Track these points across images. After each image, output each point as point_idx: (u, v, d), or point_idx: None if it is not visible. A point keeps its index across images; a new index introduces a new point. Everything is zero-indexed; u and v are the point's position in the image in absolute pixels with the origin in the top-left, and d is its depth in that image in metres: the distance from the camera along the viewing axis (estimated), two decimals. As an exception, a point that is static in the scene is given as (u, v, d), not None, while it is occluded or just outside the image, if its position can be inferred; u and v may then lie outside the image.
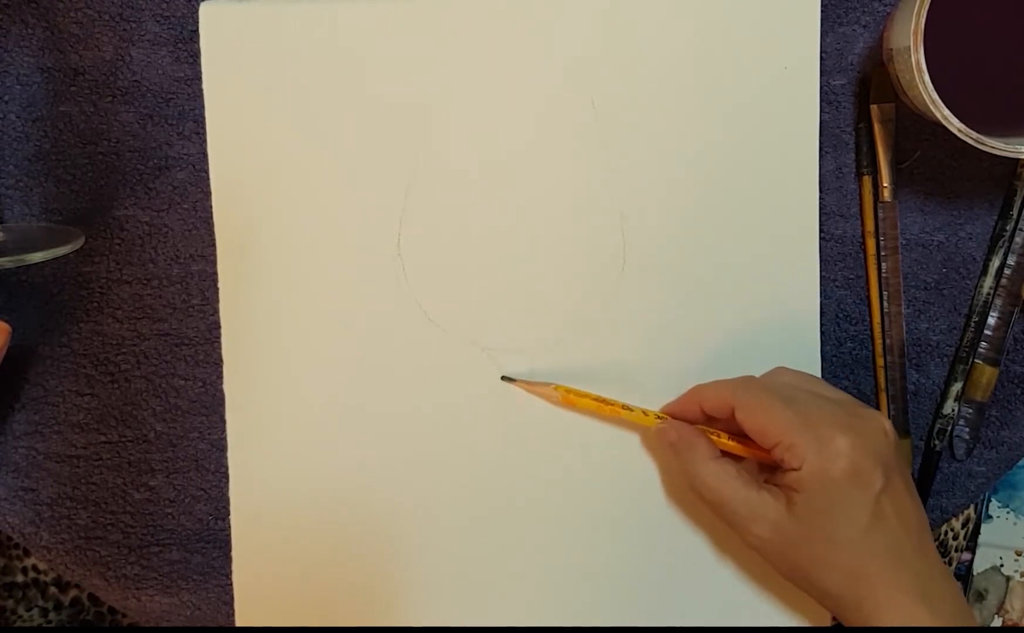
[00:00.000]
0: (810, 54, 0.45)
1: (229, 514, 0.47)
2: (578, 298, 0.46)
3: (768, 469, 0.42)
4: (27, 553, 0.51)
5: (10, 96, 0.46)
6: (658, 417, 0.44)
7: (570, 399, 0.45)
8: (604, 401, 0.44)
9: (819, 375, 0.46)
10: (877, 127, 0.45)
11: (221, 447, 0.47)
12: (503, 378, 0.46)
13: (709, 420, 0.44)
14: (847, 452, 0.39)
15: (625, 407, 0.44)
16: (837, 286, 0.47)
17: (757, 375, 0.44)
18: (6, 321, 0.44)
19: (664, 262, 0.46)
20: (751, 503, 0.40)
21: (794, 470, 0.39)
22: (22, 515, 0.48)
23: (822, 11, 0.44)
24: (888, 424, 0.41)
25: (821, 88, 0.45)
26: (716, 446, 0.42)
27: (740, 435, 0.42)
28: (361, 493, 0.47)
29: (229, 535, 0.48)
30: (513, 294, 0.46)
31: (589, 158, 0.46)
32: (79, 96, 0.46)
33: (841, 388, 0.47)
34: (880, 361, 0.47)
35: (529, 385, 0.46)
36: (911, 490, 0.40)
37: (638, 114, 0.45)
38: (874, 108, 0.45)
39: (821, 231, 0.46)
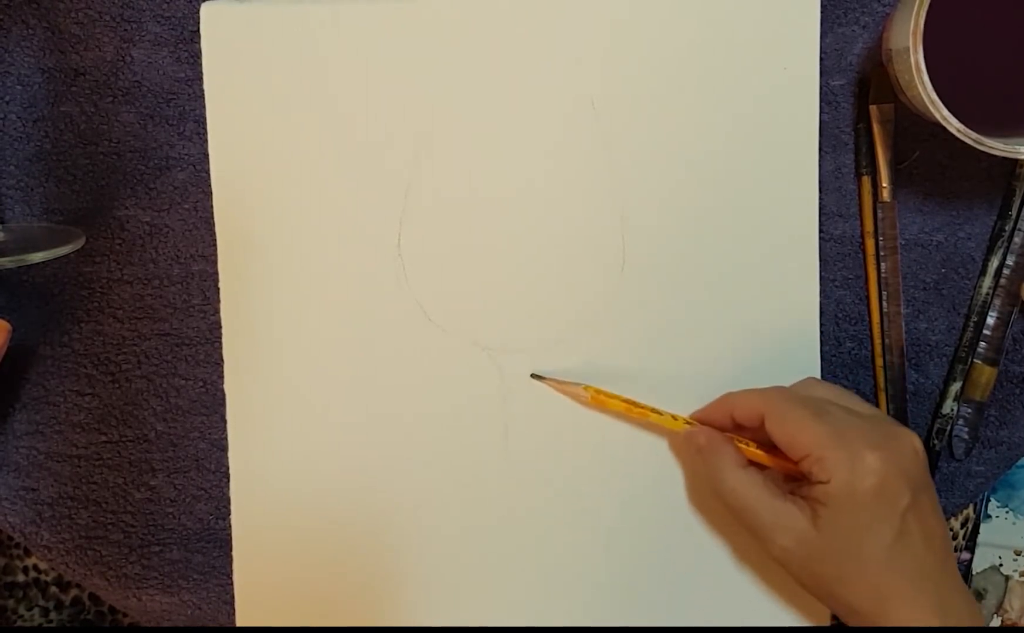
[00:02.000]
0: (810, 54, 0.45)
1: (230, 514, 0.47)
2: (578, 298, 0.46)
3: (792, 480, 0.42)
4: (28, 552, 0.51)
5: (11, 96, 0.46)
6: (687, 422, 0.44)
7: (600, 399, 0.44)
8: (633, 404, 0.44)
9: (818, 375, 0.46)
10: (876, 127, 0.45)
11: (222, 447, 0.47)
12: (532, 375, 0.46)
13: (736, 428, 0.43)
14: (877, 469, 0.38)
15: (654, 410, 0.44)
16: (836, 286, 0.47)
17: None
18: (7, 321, 0.44)
19: (664, 262, 0.46)
20: (777, 512, 0.40)
21: (822, 483, 0.39)
22: (23, 514, 0.48)
23: (822, 11, 0.45)
24: (919, 444, 0.40)
25: (820, 88, 0.45)
26: (744, 454, 0.42)
27: (768, 445, 0.42)
28: (361, 493, 0.47)
29: (230, 535, 0.48)
30: (513, 294, 0.46)
31: (589, 159, 0.46)
32: (80, 96, 0.46)
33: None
34: (879, 361, 0.47)
35: (559, 384, 0.46)
36: (937, 510, 0.40)
37: (638, 115, 0.45)
38: (873, 108, 0.45)
39: (820, 231, 0.46)
